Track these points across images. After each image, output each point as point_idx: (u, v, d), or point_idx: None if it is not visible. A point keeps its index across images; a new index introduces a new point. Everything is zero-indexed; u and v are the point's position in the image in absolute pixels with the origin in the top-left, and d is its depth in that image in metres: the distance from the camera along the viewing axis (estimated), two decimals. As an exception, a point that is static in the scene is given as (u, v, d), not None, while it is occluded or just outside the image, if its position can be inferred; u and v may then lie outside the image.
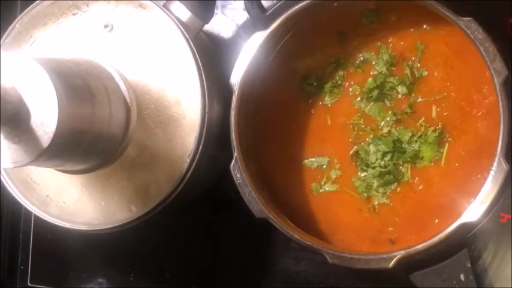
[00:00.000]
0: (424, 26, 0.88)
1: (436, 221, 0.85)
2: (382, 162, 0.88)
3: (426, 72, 0.88)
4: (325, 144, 0.92)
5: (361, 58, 0.91)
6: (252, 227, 0.89)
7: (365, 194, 0.89)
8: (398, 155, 0.88)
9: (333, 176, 0.91)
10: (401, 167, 0.88)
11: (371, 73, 0.90)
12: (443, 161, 0.86)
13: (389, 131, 0.89)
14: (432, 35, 0.88)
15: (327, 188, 0.91)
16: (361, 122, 0.90)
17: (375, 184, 0.88)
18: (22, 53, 0.88)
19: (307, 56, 0.92)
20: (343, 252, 0.82)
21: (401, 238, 0.87)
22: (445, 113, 0.87)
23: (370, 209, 0.89)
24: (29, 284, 1.07)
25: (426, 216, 0.86)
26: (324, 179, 0.91)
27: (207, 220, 1.01)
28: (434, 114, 0.87)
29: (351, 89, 0.91)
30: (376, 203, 0.89)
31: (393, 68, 0.89)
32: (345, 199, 0.90)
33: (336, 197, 0.91)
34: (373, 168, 0.88)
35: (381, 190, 0.88)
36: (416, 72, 0.89)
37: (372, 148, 0.89)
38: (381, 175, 0.88)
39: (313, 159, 0.92)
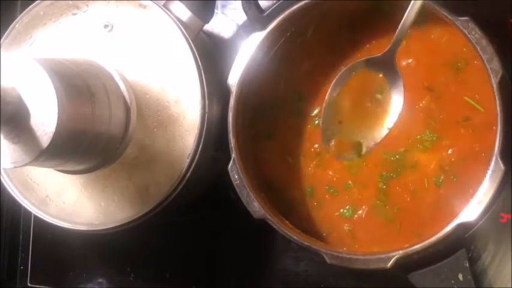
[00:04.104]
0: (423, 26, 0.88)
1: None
2: None
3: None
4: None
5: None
6: (252, 227, 0.89)
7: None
8: None
9: None
10: None
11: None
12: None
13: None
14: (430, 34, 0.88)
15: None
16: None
17: None
18: (22, 53, 0.88)
19: (305, 56, 0.92)
20: (341, 252, 0.83)
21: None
22: (441, 116, 0.87)
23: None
24: (29, 284, 1.07)
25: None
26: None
27: (207, 220, 1.01)
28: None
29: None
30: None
31: None
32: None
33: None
34: None
35: None
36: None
37: None
38: None
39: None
